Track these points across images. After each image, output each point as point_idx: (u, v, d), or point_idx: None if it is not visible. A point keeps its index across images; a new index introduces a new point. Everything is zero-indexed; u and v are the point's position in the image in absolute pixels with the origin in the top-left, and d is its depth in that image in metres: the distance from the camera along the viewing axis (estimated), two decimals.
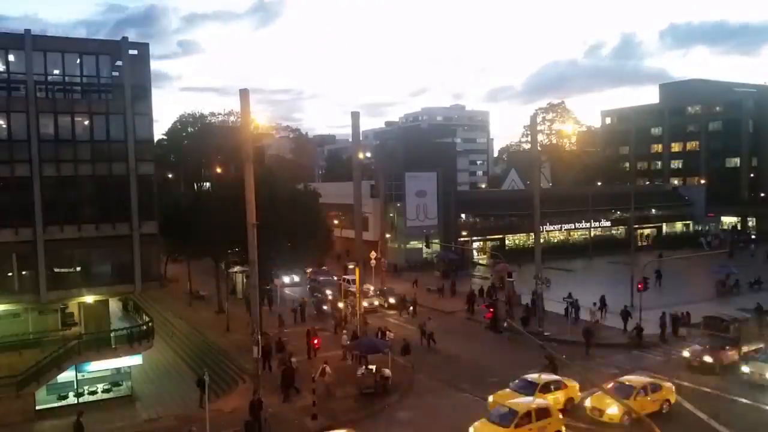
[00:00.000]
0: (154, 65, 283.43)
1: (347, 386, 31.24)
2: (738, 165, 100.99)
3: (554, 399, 26.91)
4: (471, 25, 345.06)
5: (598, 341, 38.22)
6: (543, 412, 24.47)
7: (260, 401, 26.87)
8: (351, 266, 54.68)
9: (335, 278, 55.68)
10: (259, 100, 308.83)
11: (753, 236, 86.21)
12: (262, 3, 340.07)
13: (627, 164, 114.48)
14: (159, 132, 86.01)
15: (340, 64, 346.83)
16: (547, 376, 28.58)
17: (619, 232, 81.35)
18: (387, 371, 31.14)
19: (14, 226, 32.68)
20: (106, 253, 35.45)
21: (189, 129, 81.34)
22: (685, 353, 33.92)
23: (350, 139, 65.09)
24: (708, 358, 32.75)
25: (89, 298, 35.11)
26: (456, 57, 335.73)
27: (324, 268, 60.53)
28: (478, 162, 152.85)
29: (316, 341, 36.29)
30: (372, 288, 51.64)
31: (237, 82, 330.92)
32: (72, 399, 32.64)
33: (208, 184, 67.01)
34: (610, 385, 26.37)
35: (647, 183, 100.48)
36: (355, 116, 41.00)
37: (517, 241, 74.99)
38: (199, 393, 29.63)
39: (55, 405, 31.85)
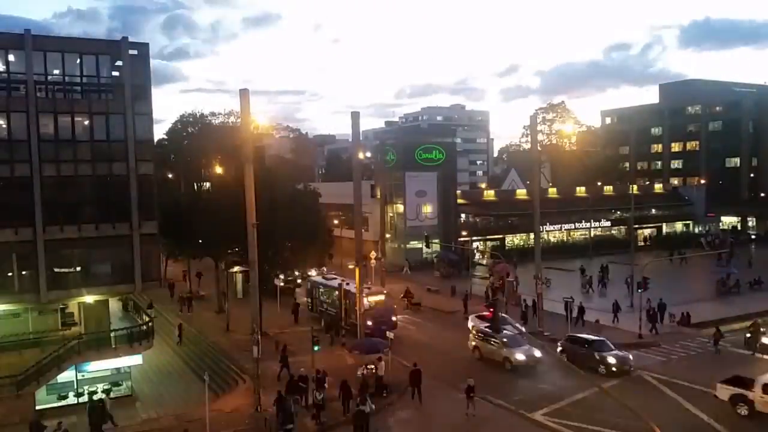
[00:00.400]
0: (165, 65, 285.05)
1: None
2: (738, 165, 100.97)
3: None
4: (476, 26, 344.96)
5: None
6: None
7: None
8: (351, 266, 54.64)
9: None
10: (268, 101, 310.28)
11: (753, 236, 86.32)
12: (274, 7, 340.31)
13: (627, 164, 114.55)
14: (160, 132, 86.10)
15: (346, 65, 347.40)
16: None
17: (619, 231, 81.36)
18: (380, 370, 31.07)
19: (14, 226, 32.63)
20: (106, 253, 35.38)
21: (189, 129, 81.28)
22: None
23: (350, 139, 65.05)
24: None
25: (89, 298, 35.07)
26: (459, 58, 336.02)
27: (324, 269, 60.55)
28: (478, 162, 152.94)
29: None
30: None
31: (245, 84, 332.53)
32: (72, 399, 32.63)
33: (208, 184, 66.99)
34: None
35: (647, 183, 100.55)
36: (355, 116, 41.04)
37: (517, 241, 75.00)
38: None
39: (55, 405, 31.84)
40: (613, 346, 33.54)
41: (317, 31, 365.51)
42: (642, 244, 79.80)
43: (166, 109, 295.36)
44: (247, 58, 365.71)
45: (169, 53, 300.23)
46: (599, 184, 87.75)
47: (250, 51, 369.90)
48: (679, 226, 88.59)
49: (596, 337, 34.76)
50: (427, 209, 70.64)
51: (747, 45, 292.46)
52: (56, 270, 34.02)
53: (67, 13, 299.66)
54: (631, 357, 33.26)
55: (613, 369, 32.05)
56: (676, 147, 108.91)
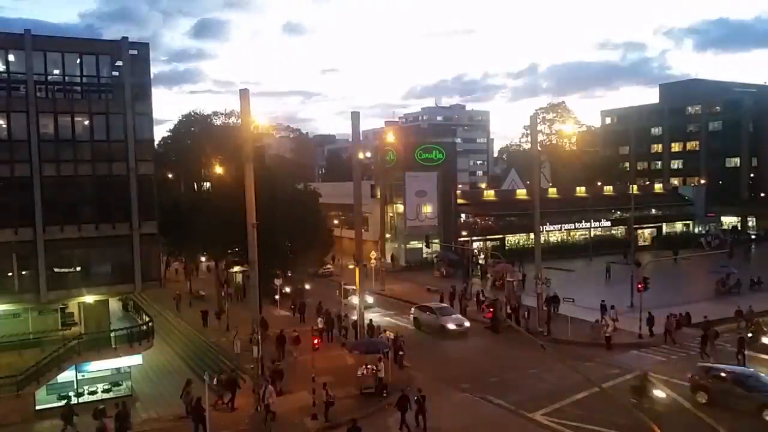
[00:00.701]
0: (175, 66, 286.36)
1: (347, 386, 31.24)
2: (738, 165, 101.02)
3: None
4: (485, 26, 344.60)
5: (599, 341, 38.29)
6: None
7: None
8: (351, 266, 54.75)
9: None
10: (275, 101, 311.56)
11: (753, 236, 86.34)
12: (285, 10, 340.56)
13: (627, 164, 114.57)
14: (163, 131, 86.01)
15: (354, 66, 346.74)
16: None
17: (619, 232, 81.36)
18: (381, 371, 31.08)
19: (14, 226, 32.64)
20: (106, 253, 35.38)
21: (192, 129, 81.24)
22: None
23: (350, 139, 65.07)
24: None
25: (89, 298, 35.07)
26: (466, 59, 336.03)
27: (329, 267, 60.85)
28: (478, 162, 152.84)
29: (316, 341, 36.28)
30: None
31: (253, 85, 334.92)
32: (72, 399, 32.60)
33: (208, 184, 67.05)
34: None
35: (647, 183, 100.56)
36: (355, 116, 41.07)
37: (517, 241, 74.95)
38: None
39: (55, 405, 31.79)
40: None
41: (327, 32, 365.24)
42: (642, 243, 79.78)
43: (174, 109, 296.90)
44: (255, 59, 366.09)
45: (179, 54, 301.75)
46: (599, 184, 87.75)
47: (257, 53, 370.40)
48: (679, 226, 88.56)
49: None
50: (427, 209, 70.63)
51: (761, 47, 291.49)
52: (56, 270, 34.02)
53: (88, 15, 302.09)
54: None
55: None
56: (676, 147, 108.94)
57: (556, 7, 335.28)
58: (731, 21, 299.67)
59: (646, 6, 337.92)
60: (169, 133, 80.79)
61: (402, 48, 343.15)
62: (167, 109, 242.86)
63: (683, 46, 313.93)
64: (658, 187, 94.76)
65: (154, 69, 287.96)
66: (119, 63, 35.21)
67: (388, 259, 68.60)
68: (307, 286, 51.79)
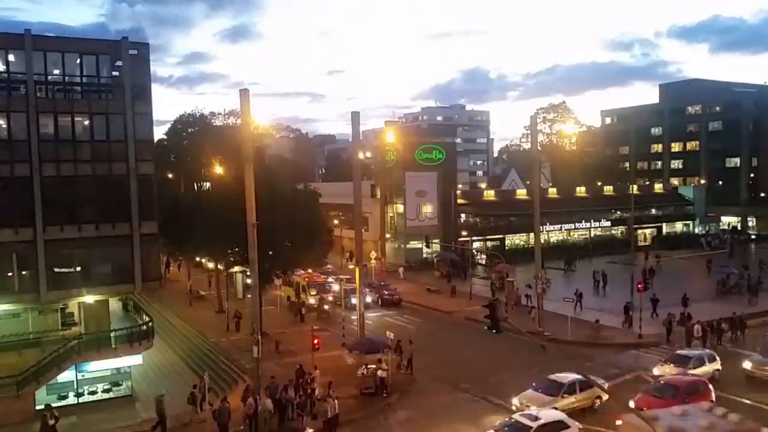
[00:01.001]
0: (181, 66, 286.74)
1: (347, 386, 31.24)
2: (738, 165, 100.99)
3: None
4: (490, 27, 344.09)
5: (599, 341, 38.34)
6: None
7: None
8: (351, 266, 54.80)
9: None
10: (277, 103, 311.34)
11: (753, 236, 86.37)
12: (292, 11, 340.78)
13: (627, 164, 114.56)
14: (159, 132, 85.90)
15: (361, 66, 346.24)
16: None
17: (619, 232, 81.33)
18: (382, 372, 31.06)
19: (14, 226, 32.65)
20: (106, 253, 35.34)
21: (189, 129, 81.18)
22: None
23: (350, 139, 65.07)
24: None
25: (89, 298, 35.06)
26: (472, 59, 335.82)
27: (329, 266, 60.78)
28: (479, 162, 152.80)
29: (316, 341, 36.27)
30: None
31: (260, 86, 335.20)
32: (72, 399, 32.60)
33: (208, 184, 67.00)
34: None
35: (647, 183, 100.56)
36: (355, 116, 41.07)
37: (517, 241, 74.94)
38: None
39: (55, 405, 31.78)
40: None
41: (338, 33, 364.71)
42: (642, 243, 79.74)
43: (181, 110, 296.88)
44: (261, 61, 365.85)
45: (188, 55, 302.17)
46: (599, 184, 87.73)
47: (263, 55, 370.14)
48: (679, 226, 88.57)
49: None
50: (427, 209, 70.65)
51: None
52: (56, 270, 33.99)
53: (104, 16, 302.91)
54: None
55: None
56: (676, 147, 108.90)
57: (569, 8, 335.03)
58: (746, 23, 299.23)
59: (661, 7, 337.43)
60: (164, 136, 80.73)
61: (409, 49, 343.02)
62: (173, 109, 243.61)
63: (697, 48, 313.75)
64: (658, 187, 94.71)
65: (165, 71, 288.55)
66: (119, 63, 35.21)
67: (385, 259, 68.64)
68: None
